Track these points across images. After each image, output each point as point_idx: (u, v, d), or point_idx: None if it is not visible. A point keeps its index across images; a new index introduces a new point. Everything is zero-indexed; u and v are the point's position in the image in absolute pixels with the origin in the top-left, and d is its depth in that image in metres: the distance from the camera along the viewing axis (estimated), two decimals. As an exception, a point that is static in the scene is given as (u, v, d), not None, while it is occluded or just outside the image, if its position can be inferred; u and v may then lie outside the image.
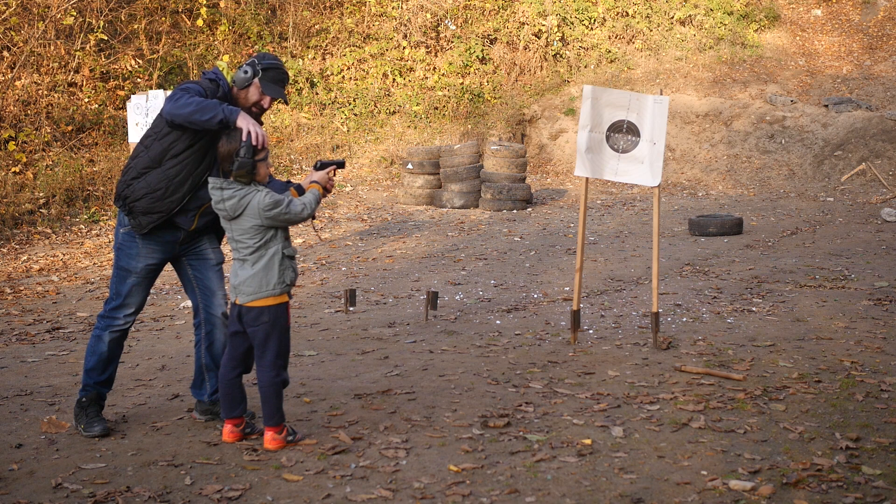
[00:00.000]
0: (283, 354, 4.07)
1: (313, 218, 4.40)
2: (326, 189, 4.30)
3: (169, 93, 7.51)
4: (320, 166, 4.28)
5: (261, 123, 4.36)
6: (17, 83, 12.49)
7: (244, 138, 3.94)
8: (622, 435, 4.13)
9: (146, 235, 4.23)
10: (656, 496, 3.50)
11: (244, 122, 3.98)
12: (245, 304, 3.99)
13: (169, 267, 4.52)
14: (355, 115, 15.74)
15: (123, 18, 14.37)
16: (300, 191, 4.19)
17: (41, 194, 11.13)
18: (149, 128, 4.27)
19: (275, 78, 4.27)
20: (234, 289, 4.02)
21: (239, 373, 4.11)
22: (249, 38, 15.94)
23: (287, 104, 4.52)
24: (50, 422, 4.36)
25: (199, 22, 14.68)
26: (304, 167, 14.25)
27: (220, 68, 4.31)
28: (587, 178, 5.88)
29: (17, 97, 12.44)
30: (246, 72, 4.22)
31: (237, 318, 4.04)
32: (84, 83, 13.43)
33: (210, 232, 4.44)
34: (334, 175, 4.35)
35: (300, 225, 10.95)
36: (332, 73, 16.19)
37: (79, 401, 4.30)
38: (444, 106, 16.08)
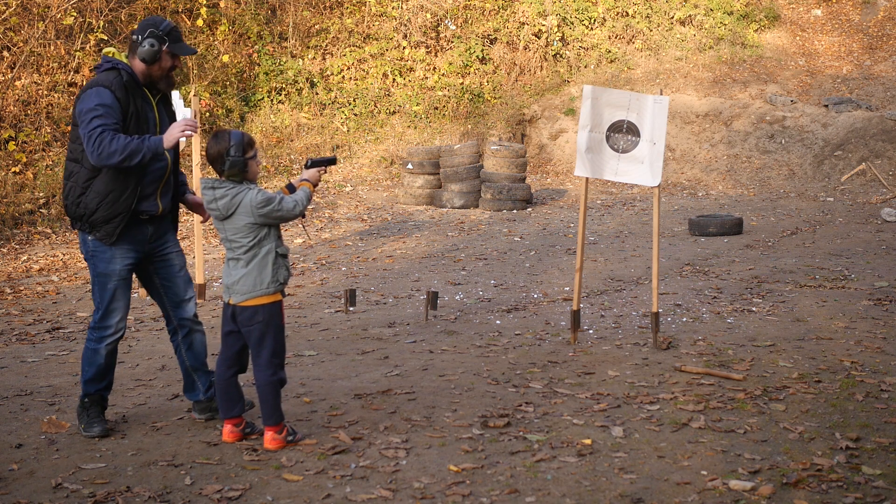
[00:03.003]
0: (279, 353, 4.06)
1: (303, 217, 4.39)
2: (315, 184, 4.31)
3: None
4: (311, 164, 4.28)
5: (174, 83, 4.37)
6: (17, 83, 12.49)
7: (182, 146, 3.98)
8: (622, 435, 4.13)
9: (118, 238, 4.19)
10: (656, 496, 3.50)
11: (171, 140, 4.06)
12: (239, 303, 3.98)
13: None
14: (355, 115, 15.74)
15: (123, 18, 14.37)
16: (292, 189, 4.19)
17: (41, 194, 11.13)
18: (70, 142, 4.21)
19: (178, 37, 4.26)
20: (228, 288, 4.02)
21: (234, 372, 4.11)
22: (249, 38, 15.94)
23: (196, 54, 4.57)
24: (50, 422, 4.36)
25: (199, 22, 14.68)
26: (302, 167, 14.24)
27: (110, 54, 4.26)
28: (587, 178, 5.88)
29: (17, 97, 12.43)
30: (153, 45, 4.16)
31: (231, 317, 4.04)
32: (84, 83, 13.42)
33: (171, 226, 4.45)
34: (325, 172, 4.36)
35: (299, 225, 10.95)
36: (332, 73, 16.18)
37: (81, 401, 4.30)
38: (444, 106, 16.08)
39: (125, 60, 4.22)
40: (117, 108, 4.07)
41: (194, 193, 4.67)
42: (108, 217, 4.14)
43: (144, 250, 4.31)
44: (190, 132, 4.09)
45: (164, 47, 4.19)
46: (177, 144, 4.41)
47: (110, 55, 4.23)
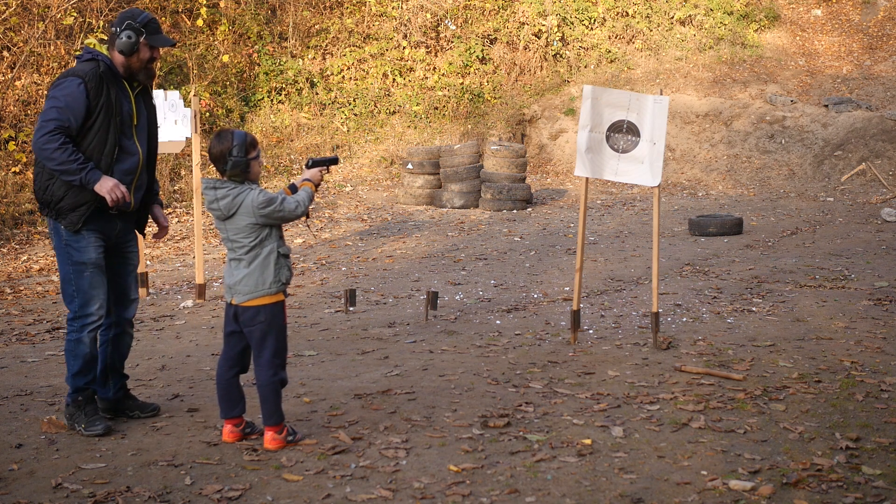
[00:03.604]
0: (281, 353, 4.07)
1: (307, 216, 4.40)
2: (317, 184, 4.32)
3: (169, 94, 7.50)
4: (312, 164, 4.29)
5: (154, 75, 4.38)
6: (17, 83, 12.49)
7: (110, 204, 4.09)
8: (622, 435, 4.13)
9: (86, 227, 4.19)
10: (656, 496, 3.50)
11: (103, 189, 4.09)
12: (241, 303, 3.98)
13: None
14: (355, 115, 15.74)
15: (123, 18, 14.36)
16: (294, 189, 4.19)
17: (41, 194, 11.13)
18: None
19: (156, 28, 4.28)
20: (230, 289, 4.02)
21: (236, 373, 4.12)
22: (249, 38, 15.94)
23: (175, 45, 4.62)
24: (50, 422, 4.36)
25: (199, 22, 14.67)
26: (303, 167, 14.24)
27: (92, 45, 4.29)
28: (587, 178, 5.88)
29: (17, 97, 12.43)
30: (130, 36, 4.20)
31: (233, 317, 4.04)
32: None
33: (135, 226, 4.48)
34: (327, 172, 4.37)
35: (299, 225, 10.96)
36: (332, 73, 16.18)
37: (74, 400, 4.29)
38: (444, 106, 16.08)
39: (106, 52, 4.23)
40: (83, 105, 4.09)
41: (163, 206, 4.70)
42: (75, 205, 4.16)
43: (111, 242, 4.34)
44: (114, 197, 4.12)
45: (142, 39, 4.22)
46: (156, 138, 4.43)
47: (92, 46, 4.25)
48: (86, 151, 4.14)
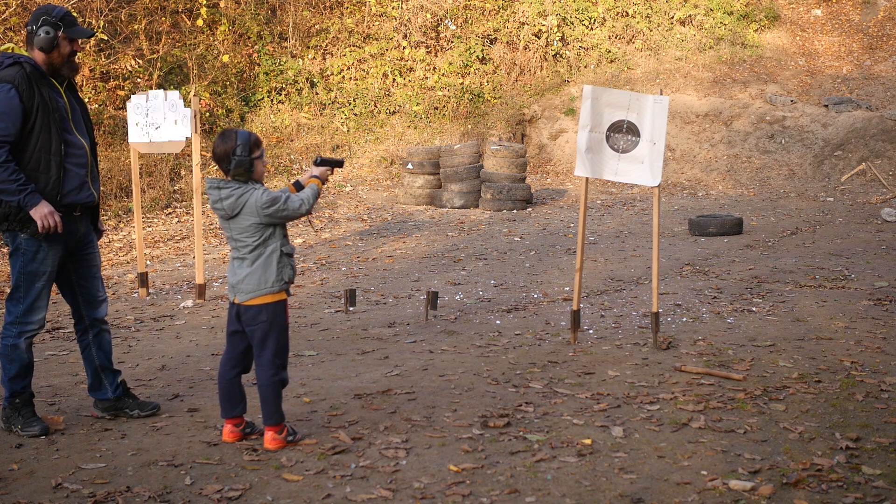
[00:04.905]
0: (282, 353, 4.07)
1: (309, 213, 4.40)
2: (323, 182, 4.32)
3: (169, 94, 7.50)
4: (321, 161, 4.28)
5: (78, 68, 4.34)
6: (17, 83, 12.47)
7: (40, 230, 4.05)
8: (622, 435, 4.13)
9: (49, 235, 4.18)
10: (656, 496, 3.50)
11: (38, 213, 4.06)
12: (243, 302, 3.99)
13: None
14: (355, 115, 15.75)
15: (123, 18, 14.37)
16: (298, 186, 4.19)
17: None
18: None
19: (73, 21, 4.25)
20: (233, 287, 4.02)
21: (238, 372, 4.12)
22: (249, 38, 15.94)
23: (94, 36, 4.60)
24: (51, 422, 4.36)
25: (199, 22, 14.68)
26: (303, 167, 14.25)
27: (9, 50, 4.25)
28: (587, 178, 5.88)
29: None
30: (48, 32, 4.16)
31: (235, 317, 4.04)
32: (84, 83, 13.42)
33: (92, 227, 4.45)
34: (331, 173, 4.37)
35: (300, 224, 10.96)
36: (332, 73, 16.19)
37: (11, 403, 4.28)
38: (444, 106, 16.08)
39: (25, 54, 4.21)
40: (18, 110, 4.06)
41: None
42: None
43: (70, 248, 4.32)
44: (46, 224, 4.09)
45: (60, 33, 4.19)
46: (92, 130, 4.41)
47: (9, 51, 4.20)
48: (33, 154, 4.11)
